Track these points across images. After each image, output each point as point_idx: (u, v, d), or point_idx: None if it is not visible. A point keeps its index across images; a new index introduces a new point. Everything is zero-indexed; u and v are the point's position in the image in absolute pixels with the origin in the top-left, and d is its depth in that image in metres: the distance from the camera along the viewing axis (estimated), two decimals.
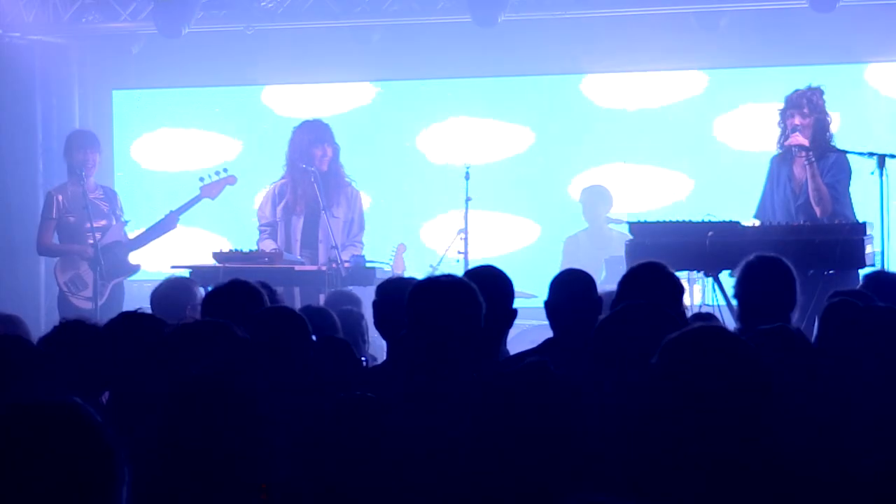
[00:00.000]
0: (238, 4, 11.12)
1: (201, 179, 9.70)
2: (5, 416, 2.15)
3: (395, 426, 3.87)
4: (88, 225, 9.46)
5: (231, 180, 9.72)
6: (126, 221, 9.80)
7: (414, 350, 4.27)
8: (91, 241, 9.49)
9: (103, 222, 9.57)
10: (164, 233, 9.75)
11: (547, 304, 5.16)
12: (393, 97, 11.87)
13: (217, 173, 9.69)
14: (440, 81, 11.66)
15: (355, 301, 6.94)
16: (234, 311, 4.86)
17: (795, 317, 5.13)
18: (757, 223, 8.22)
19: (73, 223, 9.59)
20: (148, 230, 9.82)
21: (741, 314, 5.18)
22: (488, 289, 4.74)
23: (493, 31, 10.63)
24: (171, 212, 9.69)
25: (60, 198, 9.62)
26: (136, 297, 10.45)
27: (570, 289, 5.18)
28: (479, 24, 10.56)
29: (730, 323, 5.63)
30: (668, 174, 11.33)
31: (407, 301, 4.30)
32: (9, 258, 10.13)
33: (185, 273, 8.47)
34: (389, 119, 11.79)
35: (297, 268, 8.89)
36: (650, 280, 4.99)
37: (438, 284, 4.33)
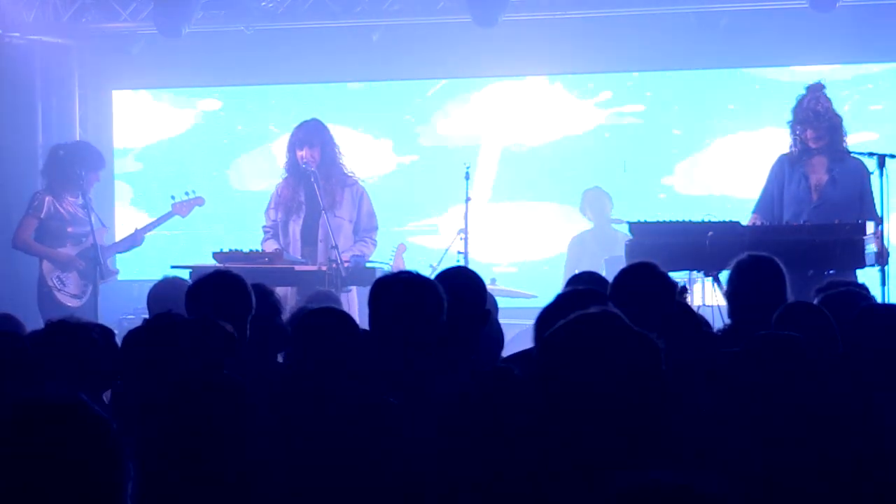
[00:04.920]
0: (238, 4, 11.12)
1: (172, 198, 10.00)
2: (12, 412, 2.15)
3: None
4: (70, 230, 9.64)
5: (199, 201, 10.08)
6: (106, 228, 9.93)
7: (378, 344, 4.32)
8: (69, 246, 9.69)
9: (86, 228, 9.65)
10: (130, 248, 10.05)
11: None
12: (394, 93, 11.88)
13: (187, 194, 10.00)
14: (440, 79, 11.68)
15: (335, 301, 7.05)
16: (218, 303, 4.88)
17: None
18: (756, 217, 8.23)
19: (55, 227, 9.68)
20: (117, 242, 10.13)
21: (731, 312, 5.22)
22: (460, 290, 4.77)
23: (493, 31, 10.64)
24: (138, 230, 9.93)
25: (49, 199, 9.66)
26: (137, 298, 10.50)
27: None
28: (479, 24, 10.56)
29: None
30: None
31: (369, 297, 4.36)
32: (9, 257, 10.14)
33: (185, 273, 8.47)
34: (388, 117, 11.80)
35: (297, 268, 8.89)
36: (642, 280, 5.00)
37: (398, 279, 4.38)
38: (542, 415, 2.80)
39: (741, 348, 4.11)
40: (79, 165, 9.71)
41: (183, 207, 9.98)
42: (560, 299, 4.67)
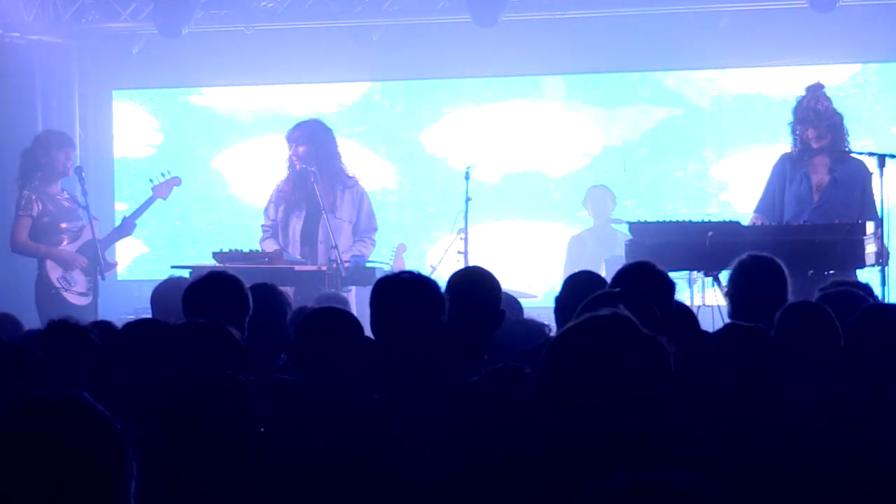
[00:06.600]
0: (238, 4, 11.13)
1: (151, 181, 9.99)
2: (16, 411, 2.15)
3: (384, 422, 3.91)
4: (64, 225, 9.60)
5: (176, 181, 10.03)
6: (97, 220, 9.93)
7: (380, 344, 4.33)
8: (66, 242, 9.68)
9: (80, 223, 9.64)
10: (122, 237, 10.06)
11: (558, 300, 5.13)
12: (394, 95, 11.88)
13: (163, 175, 9.97)
14: (442, 81, 11.68)
15: (343, 303, 7.04)
16: (215, 304, 4.86)
17: None
18: (757, 217, 8.23)
19: (48, 223, 9.66)
20: (109, 234, 10.03)
21: (732, 312, 5.22)
22: (476, 290, 4.76)
23: (493, 31, 10.64)
24: (127, 217, 9.92)
25: (35, 197, 9.66)
26: (137, 298, 10.51)
27: (583, 288, 5.15)
28: (479, 24, 10.56)
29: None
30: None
31: (370, 297, 4.37)
32: (9, 257, 10.14)
33: (186, 273, 8.47)
34: (390, 117, 11.80)
35: (297, 268, 8.89)
36: (640, 279, 4.99)
37: (399, 280, 4.39)
38: (547, 414, 2.80)
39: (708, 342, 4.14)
40: (51, 150, 9.72)
41: (162, 189, 9.94)
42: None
